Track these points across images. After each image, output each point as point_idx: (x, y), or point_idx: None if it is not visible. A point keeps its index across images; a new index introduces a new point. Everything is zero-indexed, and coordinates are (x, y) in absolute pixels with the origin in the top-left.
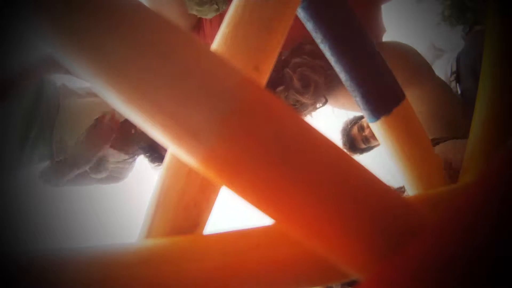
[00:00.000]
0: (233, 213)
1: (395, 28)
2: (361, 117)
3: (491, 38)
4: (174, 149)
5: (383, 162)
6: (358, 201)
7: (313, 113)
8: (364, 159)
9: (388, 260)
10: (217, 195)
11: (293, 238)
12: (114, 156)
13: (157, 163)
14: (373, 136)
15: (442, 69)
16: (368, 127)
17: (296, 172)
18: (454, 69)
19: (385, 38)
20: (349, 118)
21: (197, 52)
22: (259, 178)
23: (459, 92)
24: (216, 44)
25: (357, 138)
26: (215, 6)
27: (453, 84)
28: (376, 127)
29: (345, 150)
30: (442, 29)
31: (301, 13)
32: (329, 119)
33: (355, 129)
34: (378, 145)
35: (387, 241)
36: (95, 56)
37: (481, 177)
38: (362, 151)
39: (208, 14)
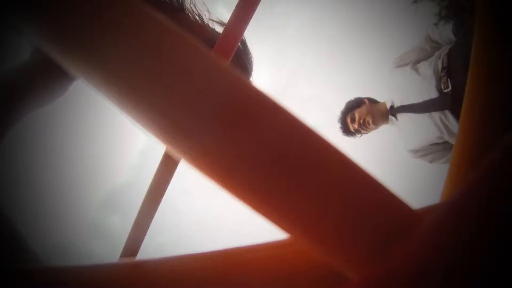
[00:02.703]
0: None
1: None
2: (355, 107)
3: (479, 39)
4: (166, 147)
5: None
6: (351, 198)
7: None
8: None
9: (380, 259)
10: None
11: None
12: None
13: None
14: (362, 128)
15: (432, 64)
16: (359, 119)
17: (288, 170)
18: (446, 64)
19: (382, 34)
20: (350, 101)
21: (190, 50)
22: (252, 177)
23: (450, 87)
24: None
25: (349, 125)
26: None
27: (444, 79)
28: None
29: (340, 130)
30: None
31: None
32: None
33: (348, 117)
34: (370, 131)
35: (380, 240)
36: (87, 54)
37: (478, 178)
38: (355, 134)
39: None
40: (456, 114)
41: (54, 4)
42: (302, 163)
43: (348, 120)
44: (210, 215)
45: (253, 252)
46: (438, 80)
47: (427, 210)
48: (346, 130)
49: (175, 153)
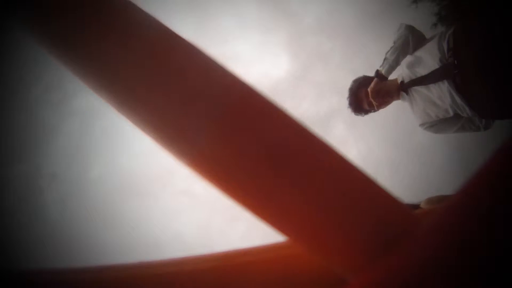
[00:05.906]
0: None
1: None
2: (368, 82)
3: None
4: (166, 150)
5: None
6: (351, 202)
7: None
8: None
9: (380, 261)
10: None
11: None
12: None
13: None
14: (381, 101)
15: (436, 45)
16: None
17: (286, 174)
18: (452, 45)
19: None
20: (358, 78)
21: (190, 55)
22: (249, 180)
23: (456, 68)
24: None
25: (363, 100)
26: None
27: (450, 60)
28: None
29: (350, 109)
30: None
31: None
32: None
33: (362, 93)
34: (386, 105)
35: (379, 242)
36: (88, 58)
37: (478, 179)
38: (366, 112)
39: None
40: (459, 88)
41: (53, 6)
42: (302, 166)
43: (363, 94)
44: (228, 203)
45: (252, 254)
46: (443, 56)
47: (427, 210)
48: (358, 107)
49: (172, 154)
